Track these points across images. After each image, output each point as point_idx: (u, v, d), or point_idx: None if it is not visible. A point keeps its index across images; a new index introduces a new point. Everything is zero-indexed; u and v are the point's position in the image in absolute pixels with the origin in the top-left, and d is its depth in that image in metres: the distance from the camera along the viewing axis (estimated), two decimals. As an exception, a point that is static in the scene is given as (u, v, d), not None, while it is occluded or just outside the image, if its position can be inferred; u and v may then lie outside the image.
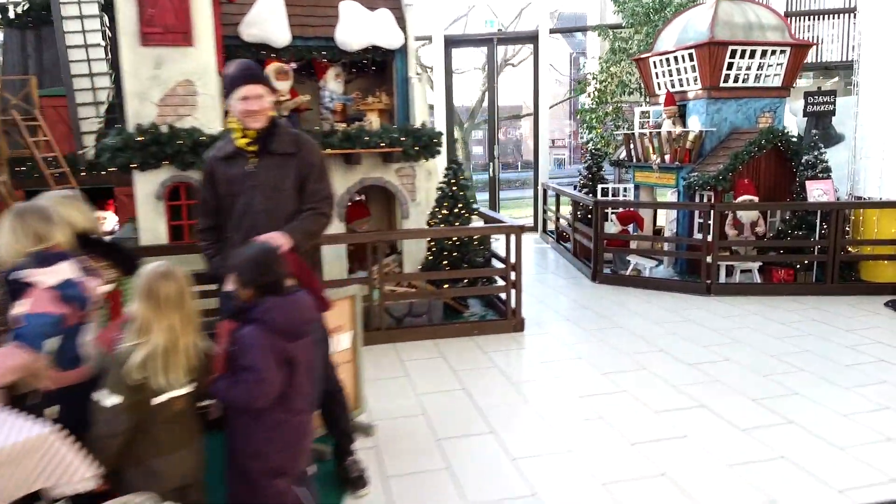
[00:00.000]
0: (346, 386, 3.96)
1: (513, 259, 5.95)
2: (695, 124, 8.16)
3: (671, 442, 3.71)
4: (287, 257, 2.74)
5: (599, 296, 7.24)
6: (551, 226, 10.86)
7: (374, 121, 6.47)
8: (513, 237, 5.94)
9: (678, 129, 8.03)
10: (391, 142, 6.11)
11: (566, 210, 10.16)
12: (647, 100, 9.01)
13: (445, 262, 6.33)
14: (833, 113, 9.35)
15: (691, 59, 7.92)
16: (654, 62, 8.63)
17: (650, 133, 8.32)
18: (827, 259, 6.86)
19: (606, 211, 8.43)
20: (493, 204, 12.57)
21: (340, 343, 3.88)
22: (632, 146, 8.83)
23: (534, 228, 12.33)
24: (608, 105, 10.66)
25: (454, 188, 6.49)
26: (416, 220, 6.55)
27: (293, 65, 6.42)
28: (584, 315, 6.49)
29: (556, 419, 4.06)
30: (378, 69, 7.09)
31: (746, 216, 7.23)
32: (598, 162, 9.88)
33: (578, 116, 10.91)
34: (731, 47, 7.66)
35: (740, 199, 7.21)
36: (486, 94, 12.33)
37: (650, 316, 6.34)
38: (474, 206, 7.03)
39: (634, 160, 8.86)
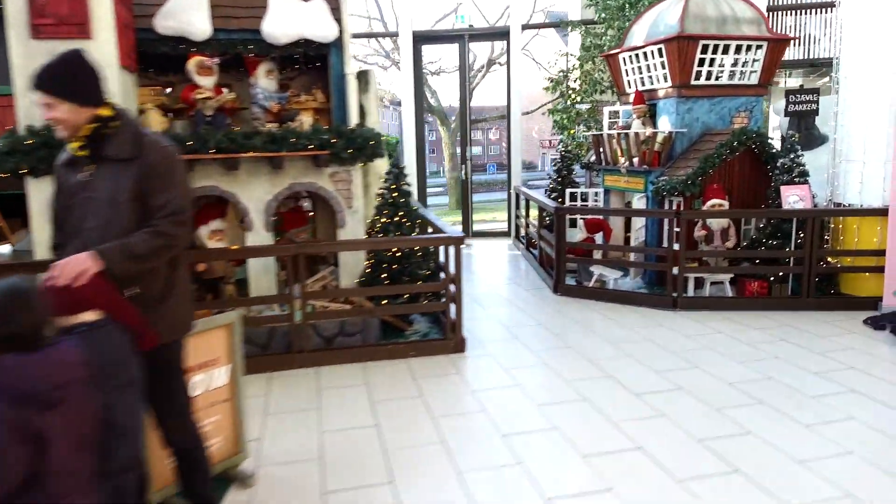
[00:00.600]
0: (225, 428, 3.45)
1: (452, 273, 5.42)
2: (665, 125, 7.63)
3: (593, 497, 3.18)
4: (93, 284, 2.23)
5: (558, 310, 6.70)
6: (524, 231, 10.34)
7: (305, 121, 5.94)
8: (452, 249, 5.41)
9: (647, 131, 7.49)
10: (321, 144, 5.58)
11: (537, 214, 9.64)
12: (619, 99, 8.47)
13: (385, 276, 5.82)
14: (816, 112, 8.83)
15: (661, 55, 7.39)
16: (624, 58, 8.10)
17: (618, 134, 7.78)
18: (802, 271, 6.31)
19: (574, 217, 7.90)
20: (465, 207, 12.05)
21: (214, 380, 3.35)
22: (601, 148, 8.30)
23: (507, 234, 11.80)
24: (583, 104, 10.12)
25: (395, 195, 5.97)
26: (353, 230, 6.02)
27: (216, 59, 5.90)
28: (535, 333, 5.96)
29: (468, 465, 3.52)
30: (323, 65, 6.57)
31: (716, 224, 6.69)
32: (568, 165, 9.36)
33: (550, 116, 10.38)
34: (702, 42, 7.11)
35: (708, 204, 6.68)
36: (459, 93, 11.77)
37: (607, 334, 5.81)
38: (420, 211, 6.49)
39: (603, 163, 8.33)
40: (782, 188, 6.52)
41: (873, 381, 4.58)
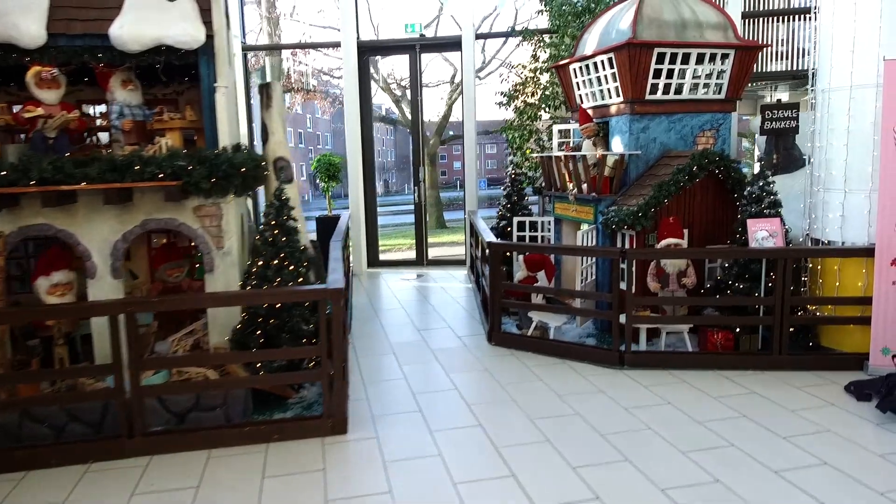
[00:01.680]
0: None
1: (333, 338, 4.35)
2: (617, 146, 6.60)
3: None
4: None
5: (484, 367, 5.63)
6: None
7: (164, 144, 4.90)
8: (329, 307, 4.35)
9: (596, 152, 6.46)
10: (175, 172, 4.54)
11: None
12: (572, 116, 7.45)
13: (259, 332, 4.75)
14: (796, 130, 7.79)
15: (611, 66, 6.37)
16: (575, 70, 7.09)
17: (565, 157, 6.75)
18: (773, 322, 5.25)
19: (515, 255, 6.86)
20: (419, 233, 11.00)
21: None
22: (549, 172, 7.27)
23: (463, 263, 10.75)
24: (540, 121, 9.09)
25: (276, 232, 4.91)
26: (224, 276, 4.96)
27: (53, 71, 4.87)
28: (446, 403, 4.88)
29: None
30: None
31: (672, 264, 5.63)
32: (519, 189, 8.32)
33: (502, 134, 9.36)
34: (657, 50, 6.10)
35: (663, 242, 5.63)
36: (410, 108, 10.76)
37: (530, 406, 4.73)
38: (310, 253, 5.41)
39: (553, 188, 7.30)
40: (749, 222, 5.47)
41: (851, 485, 3.50)
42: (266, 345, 4.74)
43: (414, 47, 10.38)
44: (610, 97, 6.61)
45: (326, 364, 4.28)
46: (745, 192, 5.73)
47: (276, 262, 4.84)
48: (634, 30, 6.14)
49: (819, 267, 5.62)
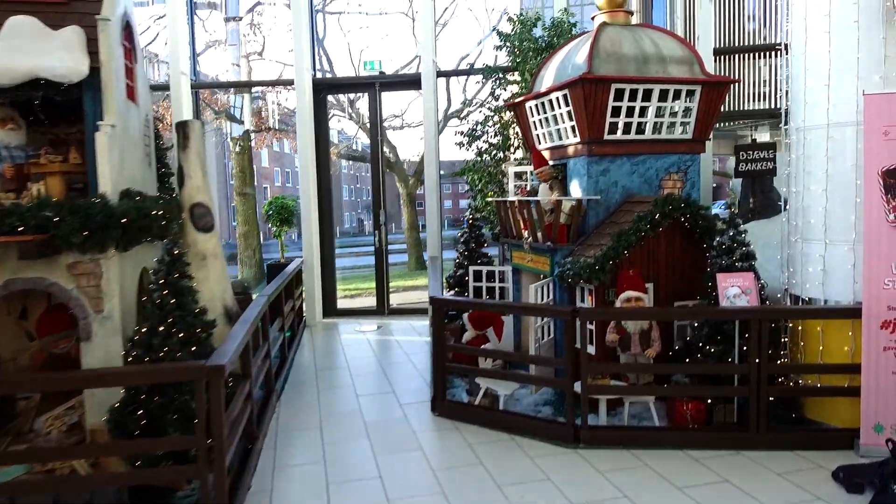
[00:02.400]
0: None
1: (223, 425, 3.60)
2: (575, 190, 5.98)
3: None
4: None
5: (420, 445, 4.87)
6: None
7: (35, 190, 4.22)
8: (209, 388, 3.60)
9: (551, 197, 5.84)
10: (41, 224, 3.85)
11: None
12: (530, 157, 6.86)
13: (141, 412, 4.00)
14: (773, 172, 7.25)
15: (567, 103, 5.80)
16: (531, 108, 6.52)
17: (519, 202, 6.12)
18: (749, 394, 4.54)
19: (458, 312, 6.15)
20: (380, 280, 10.29)
21: None
22: (504, 217, 6.64)
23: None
24: (506, 163, 8.49)
25: (165, 293, 4.19)
26: (104, 344, 4.23)
27: None
28: (361, 497, 4.10)
29: None
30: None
31: (634, 325, 4.95)
32: (477, 235, 7.67)
33: (463, 177, 8.76)
34: (614, 86, 5.53)
35: (621, 298, 4.95)
36: (370, 148, 10.20)
37: (462, 501, 3.96)
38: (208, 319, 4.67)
39: (509, 235, 6.65)
40: (719, 277, 4.81)
41: None
42: (149, 426, 3.98)
43: (373, 85, 9.87)
44: (567, 137, 6.03)
45: (203, 458, 3.51)
46: (715, 242, 5.09)
47: (162, 328, 4.11)
48: (590, 64, 5.58)
49: (800, 328, 4.95)
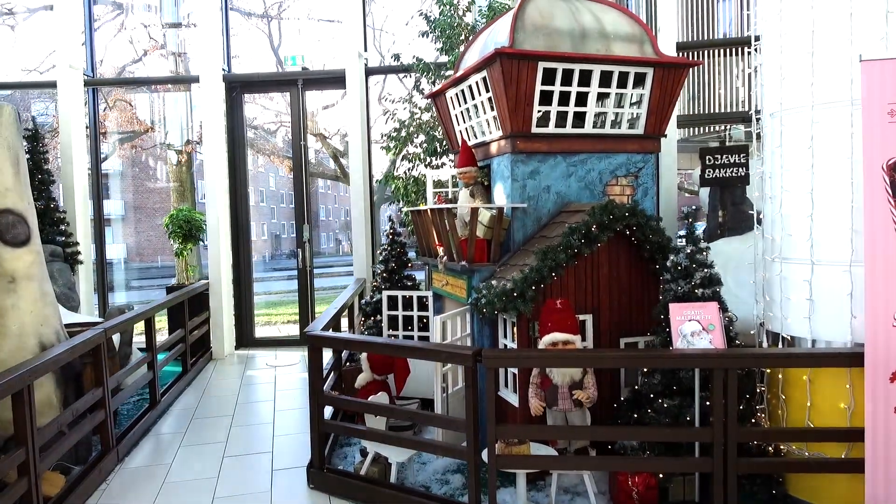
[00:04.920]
0: None
1: None
2: (499, 196, 4.78)
3: None
4: None
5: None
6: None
7: None
8: None
9: (469, 205, 4.62)
10: None
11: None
12: (454, 159, 5.68)
13: None
14: (745, 180, 6.13)
15: (486, 89, 4.62)
16: (452, 98, 5.34)
17: (431, 211, 4.89)
18: (713, 467, 3.29)
19: (355, 354, 4.85)
20: (304, 306, 8.96)
21: None
22: (421, 231, 5.41)
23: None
24: (429, 167, 7.26)
25: None
26: None
27: None
28: None
29: None
30: None
31: (560, 373, 3.69)
32: (399, 253, 6.42)
33: (384, 184, 7.54)
34: (542, 64, 4.37)
35: (547, 338, 3.70)
36: (292, 153, 8.95)
37: None
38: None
39: (428, 254, 5.42)
40: (672, 308, 3.59)
41: None
42: None
43: (296, 83, 8.65)
44: (490, 131, 4.84)
45: None
46: (669, 263, 3.89)
47: None
48: (512, 38, 4.41)
49: (780, 375, 3.73)
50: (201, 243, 8.63)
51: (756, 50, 4.15)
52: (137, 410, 5.76)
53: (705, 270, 3.78)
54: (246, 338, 8.88)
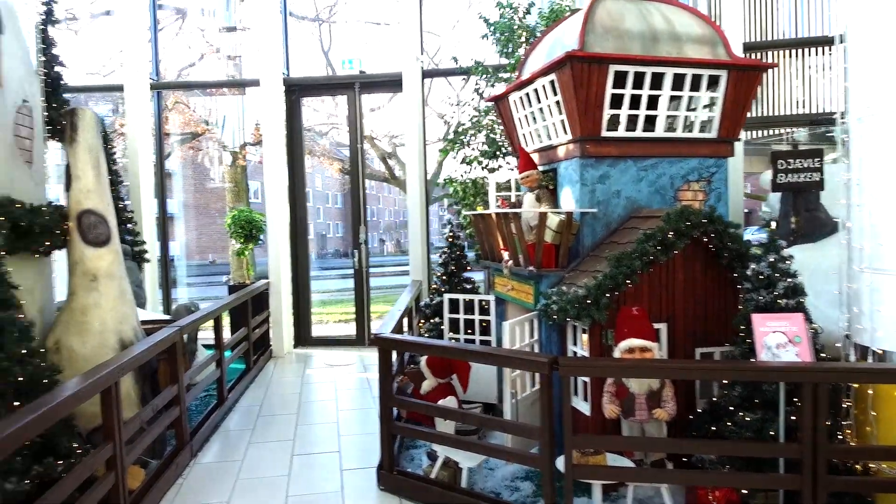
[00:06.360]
0: None
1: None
2: (567, 201, 4.73)
3: None
4: None
5: (343, 539, 3.60)
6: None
7: None
8: None
9: (536, 210, 4.59)
10: None
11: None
12: (510, 161, 5.65)
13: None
14: (820, 185, 5.90)
15: (554, 92, 4.58)
16: (515, 102, 5.32)
17: (497, 216, 4.88)
18: (802, 484, 3.19)
19: (416, 356, 4.88)
20: (360, 306, 9.07)
21: None
22: (483, 235, 5.41)
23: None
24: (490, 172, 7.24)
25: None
26: None
27: None
28: None
29: None
30: None
31: (638, 383, 3.64)
32: (458, 256, 6.43)
33: (442, 187, 7.55)
34: (613, 67, 4.31)
35: (622, 345, 3.65)
36: (350, 155, 9.05)
37: None
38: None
39: (490, 258, 5.41)
40: (755, 319, 3.50)
41: None
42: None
43: (352, 86, 8.76)
44: (556, 135, 4.80)
45: None
46: (750, 272, 3.78)
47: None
48: (582, 40, 4.37)
49: (870, 391, 3.59)
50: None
51: (835, 51, 4.00)
52: (204, 407, 5.91)
53: (789, 280, 3.66)
54: (303, 336, 9.04)
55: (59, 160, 5.46)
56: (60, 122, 4.69)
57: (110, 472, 3.51)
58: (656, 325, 3.97)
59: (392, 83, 8.65)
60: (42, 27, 6.15)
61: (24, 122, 4.38)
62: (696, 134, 4.67)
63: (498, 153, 6.80)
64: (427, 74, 8.34)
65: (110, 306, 4.54)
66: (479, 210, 6.57)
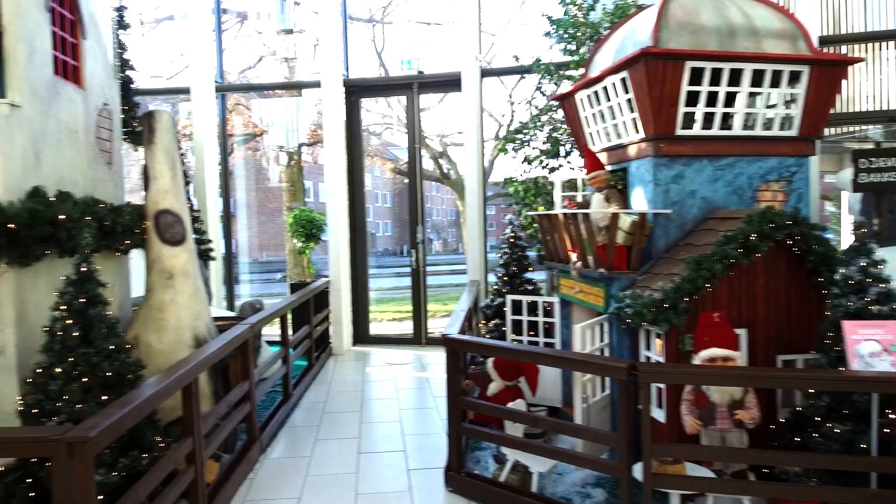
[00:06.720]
0: None
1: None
2: (639, 201, 4.62)
3: None
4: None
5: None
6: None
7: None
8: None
9: (606, 210, 4.50)
10: None
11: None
12: (570, 161, 5.56)
13: (29, 480, 2.94)
14: (903, 185, 5.63)
15: (626, 90, 4.48)
16: (582, 100, 5.23)
17: (564, 216, 4.81)
18: (897, 502, 3.03)
19: (477, 357, 4.84)
20: (417, 306, 9.10)
21: None
22: (548, 237, 5.34)
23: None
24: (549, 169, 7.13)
25: (69, 323, 3.12)
26: (-11, 390, 3.21)
27: None
28: None
29: None
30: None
31: (720, 391, 3.51)
32: (520, 256, 6.37)
33: (505, 186, 7.47)
34: (689, 63, 4.18)
35: (703, 354, 3.54)
36: (408, 157, 9.10)
37: None
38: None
39: (554, 258, 5.34)
40: (846, 326, 3.34)
41: None
42: (40, 502, 2.93)
43: (411, 86, 8.79)
44: (627, 134, 4.69)
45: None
46: (838, 277, 3.61)
47: (60, 369, 3.05)
48: (656, 36, 4.26)
49: (972, 404, 3.38)
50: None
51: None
52: (269, 403, 6.03)
53: (882, 285, 3.48)
54: (361, 335, 9.13)
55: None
56: (133, 124, 4.84)
57: (190, 466, 3.60)
58: (736, 331, 3.83)
59: (449, 83, 8.65)
60: (115, 32, 6.38)
61: (105, 124, 4.55)
62: (775, 132, 4.50)
63: (559, 153, 6.70)
64: (486, 73, 8.29)
65: (185, 303, 4.66)
66: (541, 210, 6.50)
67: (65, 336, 3.08)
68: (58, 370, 3.04)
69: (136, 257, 5.05)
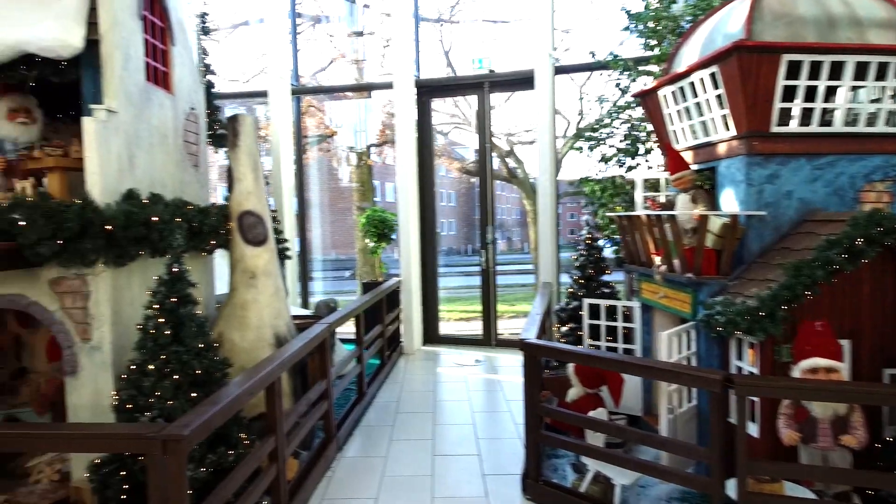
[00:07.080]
0: None
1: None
2: (729, 202, 4.39)
3: None
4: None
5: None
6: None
7: (24, 187, 3.45)
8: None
9: (693, 212, 4.30)
10: (3, 228, 3.04)
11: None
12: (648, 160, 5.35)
13: (124, 473, 3.06)
14: None
15: (715, 85, 4.26)
16: (666, 96, 5.02)
17: (648, 218, 4.62)
18: None
19: (551, 362, 4.72)
20: (486, 307, 9.03)
21: None
22: (629, 238, 5.16)
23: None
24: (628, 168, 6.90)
25: (161, 321, 3.22)
26: (93, 381, 3.35)
27: None
28: None
29: None
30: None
31: (822, 407, 3.28)
32: (596, 258, 6.20)
33: (581, 186, 7.26)
34: (786, 57, 3.93)
35: (804, 364, 3.31)
36: (479, 157, 9.04)
37: None
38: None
39: (635, 262, 5.16)
40: (970, 339, 3.05)
41: None
42: (133, 495, 3.05)
43: (482, 85, 8.72)
44: (716, 131, 4.46)
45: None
46: (958, 284, 3.31)
47: (153, 366, 3.15)
48: (749, 28, 4.02)
49: None
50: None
51: None
52: (343, 401, 6.09)
53: None
54: (430, 334, 9.14)
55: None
56: (215, 128, 4.98)
57: (272, 463, 3.66)
58: (840, 342, 3.57)
59: (520, 81, 8.52)
60: (198, 38, 6.59)
61: (192, 128, 4.70)
62: (880, 128, 4.17)
63: (639, 152, 6.48)
64: (559, 71, 8.12)
65: (267, 302, 4.77)
66: (620, 211, 6.31)
67: (157, 334, 3.19)
68: (150, 367, 3.15)
69: (219, 256, 5.21)
